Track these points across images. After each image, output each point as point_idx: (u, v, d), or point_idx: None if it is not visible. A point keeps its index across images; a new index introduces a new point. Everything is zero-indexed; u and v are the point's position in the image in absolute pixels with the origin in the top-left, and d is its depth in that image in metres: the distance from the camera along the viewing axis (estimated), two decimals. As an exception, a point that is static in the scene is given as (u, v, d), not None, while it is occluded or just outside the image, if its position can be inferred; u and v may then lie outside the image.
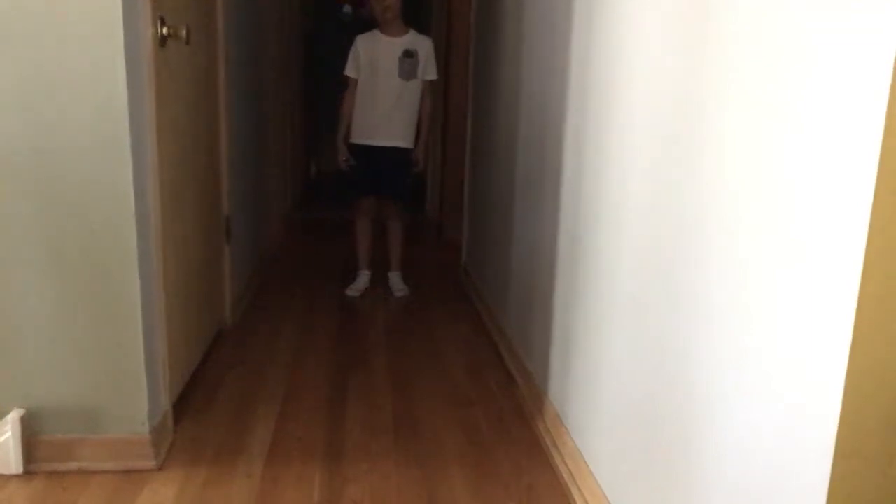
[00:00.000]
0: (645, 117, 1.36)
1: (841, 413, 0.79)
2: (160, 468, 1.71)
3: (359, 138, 3.08)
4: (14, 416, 1.62)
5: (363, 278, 3.25)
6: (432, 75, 3.12)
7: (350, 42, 3.08)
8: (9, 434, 1.62)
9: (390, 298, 3.19)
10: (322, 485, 1.69)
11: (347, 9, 6.39)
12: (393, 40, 3.03)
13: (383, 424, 2.00)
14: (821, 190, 0.83)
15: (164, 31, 1.74)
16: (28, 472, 1.65)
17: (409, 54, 3.01)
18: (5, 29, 1.49)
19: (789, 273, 0.89)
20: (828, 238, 0.82)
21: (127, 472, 1.68)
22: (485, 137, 3.09)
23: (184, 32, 1.83)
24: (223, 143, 2.54)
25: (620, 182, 1.48)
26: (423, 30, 3.32)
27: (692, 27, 1.17)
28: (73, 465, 1.68)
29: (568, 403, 1.80)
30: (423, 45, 3.06)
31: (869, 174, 0.75)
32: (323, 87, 5.29)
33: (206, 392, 2.13)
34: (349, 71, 3.06)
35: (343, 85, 3.10)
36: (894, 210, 0.75)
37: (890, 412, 0.80)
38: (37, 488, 1.61)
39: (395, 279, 3.27)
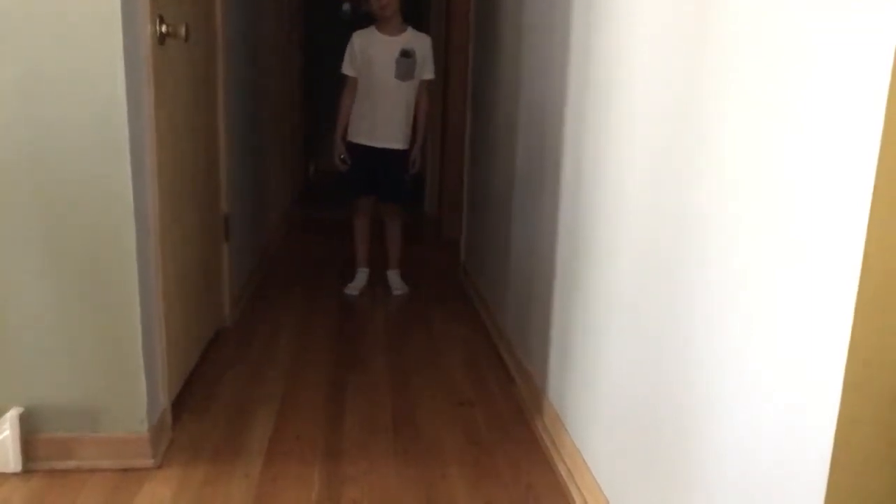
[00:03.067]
0: (644, 117, 1.36)
1: (839, 412, 0.79)
2: (159, 467, 1.71)
3: (356, 137, 3.04)
4: (13, 414, 1.62)
5: (361, 276, 3.23)
6: (430, 75, 3.05)
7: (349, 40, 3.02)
8: (7, 432, 1.62)
9: (389, 297, 3.18)
10: (321, 484, 1.69)
11: (347, 7, 6.39)
12: (390, 39, 2.95)
13: (382, 424, 2.00)
14: (820, 190, 0.83)
15: (163, 29, 1.74)
16: (27, 471, 1.65)
17: (406, 54, 2.94)
18: (4, 28, 1.49)
19: (789, 273, 0.89)
20: (827, 238, 0.82)
21: (125, 470, 1.68)
22: (484, 136, 3.09)
23: (183, 31, 1.82)
24: (222, 142, 2.54)
25: (619, 182, 1.48)
26: (421, 28, 3.29)
27: (692, 26, 1.17)
28: (72, 464, 1.68)
29: (567, 403, 1.80)
30: (422, 45, 2.99)
31: (868, 174, 0.75)
32: (322, 86, 5.28)
33: (205, 391, 2.13)
34: (346, 69, 3.01)
35: (341, 82, 3.05)
36: (893, 209, 0.75)
37: (889, 411, 0.80)
38: (35, 486, 1.61)
39: (394, 277, 3.25)
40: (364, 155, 3.03)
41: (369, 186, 3.10)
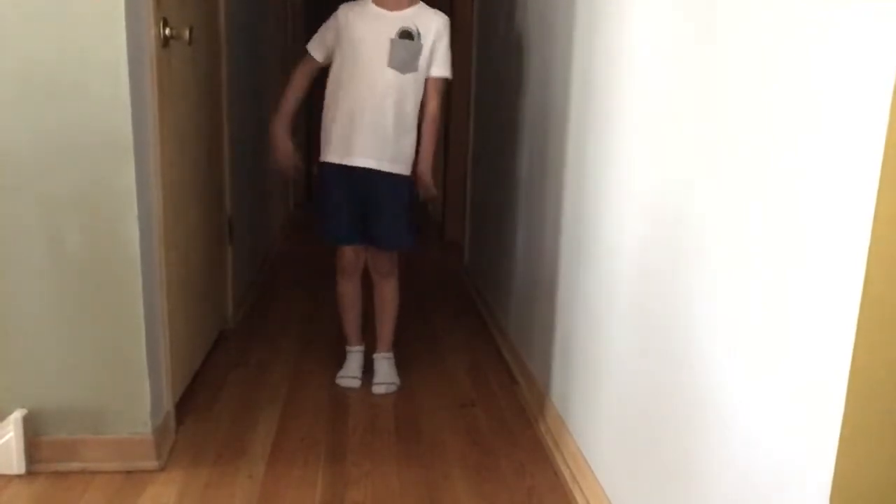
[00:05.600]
0: (646, 118, 1.36)
1: (844, 413, 0.79)
2: (162, 469, 1.72)
3: (327, 154, 2.11)
4: (16, 416, 1.63)
5: (354, 359, 2.31)
6: (442, 71, 2.10)
7: None
8: (11, 434, 1.62)
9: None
10: (324, 486, 1.69)
11: None
12: (388, 15, 2.06)
13: (385, 425, 2.00)
14: (824, 190, 0.83)
15: (167, 31, 1.75)
16: (30, 473, 1.65)
17: (406, 34, 2.05)
18: (7, 30, 1.50)
19: (792, 273, 0.89)
20: (831, 238, 0.81)
21: (129, 472, 1.68)
22: (487, 138, 3.09)
23: (186, 33, 1.83)
24: (225, 144, 2.54)
25: (622, 182, 1.48)
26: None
27: (694, 26, 1.17)
28: (76, 466, 1.68)
29: (569, 404, 1.80)
30: (432, 24, 2.07)
31: (872, 174, 0.75)
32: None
33: (209, 393, 2.14)
34: (312, 46, 2.19)
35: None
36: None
37: (894, 413, 0.80)
38: (39, 489, 1.62)
39: (383, 365, 2.27)
40: (341, 181, 2.11)
41: (352, 230, 2.17)
